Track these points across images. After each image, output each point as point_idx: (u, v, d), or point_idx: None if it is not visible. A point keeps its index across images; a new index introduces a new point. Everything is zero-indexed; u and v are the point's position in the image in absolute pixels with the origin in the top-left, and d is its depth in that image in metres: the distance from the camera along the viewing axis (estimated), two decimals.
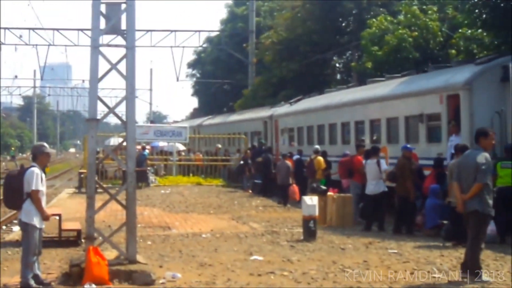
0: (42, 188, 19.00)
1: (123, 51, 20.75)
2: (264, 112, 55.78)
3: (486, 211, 19.32)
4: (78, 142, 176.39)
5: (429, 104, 28.95)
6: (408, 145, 32.34)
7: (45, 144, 21.50)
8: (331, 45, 69.48)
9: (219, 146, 72.19)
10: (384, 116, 33.58)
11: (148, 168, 56.99)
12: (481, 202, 19.26)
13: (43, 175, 19.26)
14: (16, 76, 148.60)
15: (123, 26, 20.65)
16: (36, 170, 18.83)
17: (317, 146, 44.04)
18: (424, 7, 55.73)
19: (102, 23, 20.62)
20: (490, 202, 19.66)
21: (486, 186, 19.26)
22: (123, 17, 20.60)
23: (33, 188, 18.61)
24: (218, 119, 75.26)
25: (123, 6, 20.45)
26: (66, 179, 67.30)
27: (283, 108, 50.65)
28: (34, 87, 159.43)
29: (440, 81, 28.56)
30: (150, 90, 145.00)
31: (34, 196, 18.61)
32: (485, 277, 19.23)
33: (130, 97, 20.71)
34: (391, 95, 33.67)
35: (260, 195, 47.24)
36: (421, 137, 29.66)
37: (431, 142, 28.93)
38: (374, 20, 57.98)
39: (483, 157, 19.42)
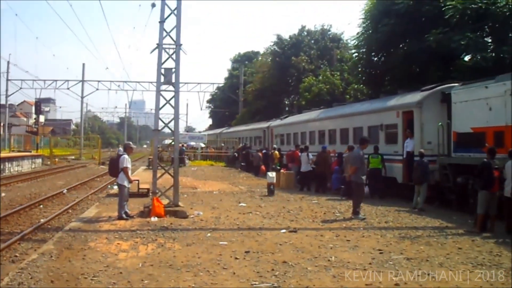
0: (129, 165, 19.40)
1: (172, 93, 20.93)
2: (263, 124, 54.20)
3: (360, 180, 19.72)
4: (148, 142, 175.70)
5: (388, 118, 27.37)
6: (326, 146, 32.68)
7: (131, 142, 22.06)
8: (283, 92, 69.54)
9: (222, 144, 72.70)
10: (352, 126, 31.42)
11: (185, 156, 57.06)
12: (357, 176, 19.67)
13: (129, 159, 19.51)
14: (116, 107, 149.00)
15: (173, 80, 20.75)
16: (126, 156, 19.37)
17: (275, 145, 44.84)
18: (332, 72, 55.71)
19: (161, 78, 20.82)
20: (363, 176, 20.10)
21: (360, 168, 19.66)
22: (173, 75, 20.75)
23: (124, 165, 19.07)
24: (232, 129, 73.38)
25: (173, 70, 20.63)
26: (141, 161, 66.96)
27: (276, 122, 49.25)
28: (126, 112, 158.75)
29: (396, 102, 27.24)
30: (186, 114, 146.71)
31: (124, 170, 19.12)
32: (361, 216, 19.42)
33: (176, 118, 21.13)
34: (356, 112, 31.65)
35: (244, 171, 47.16)
36: (380, 139, 27.71)
37: (388, 143, 27.11)
38: (306, 79, 57.66)
39: (358, 153, 19.95)
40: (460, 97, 21.43)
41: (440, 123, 23.21)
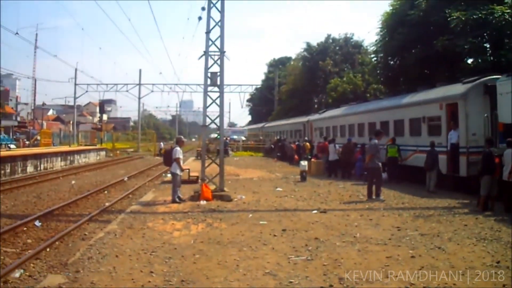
0: (181, 156, 19.39)
1: (217, 94, 21.03)
2: (302, 118, 52.02)
3: (375, 165, 19.53)
4: (196, 136, 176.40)
5: (431, 110, 24.65)
6: (350, 138, 32.72)
7: (182, 136, 22.08)
8: (312, 91, 69.20)
9: (261, 137, 72.78)
10: (392, 118, 28.57)
11: (229, 148, 57.10)
12: (372, 162, 19.50)
13: (181, 151, 19.55)
14: (168, 106, 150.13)
15: (218, 82, 20.83)
16: (178, 148, 19.41)
17: (306, 138, 44.37)
18: (355, 74, 55.34)
19: (208, 80, 20.87)
20: (378, 162, 19.81)
21: (375, 155, 19.51)
22: (218, 78, 20.81)
23: (177, 156, 19.07)
24: (273, 123, 71.79)
25: (218, 73, 20.70)
26: (190, 153, 67.12)
27: (315, 116, 47.01)
28: (176, 110, 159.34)
29: (440, 94, 24.39)
30: (229, 111, 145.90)
31: (177, 161, 19.10)
32: (382, 198, 19.31)
33: (221, 115, 21.11)
34: (397, 105, 28.70)
35: (279, 161, 47.10)
36: (423, 131, 25.13)
37: (431, 135, 24.15)
38: (332, 80, 57.48)
39: (374, 143, 19.75)
40: (506, 88, 19.69)
41: (486, 115, 21.27)
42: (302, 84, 69.50)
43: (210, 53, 21.08)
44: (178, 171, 19.35)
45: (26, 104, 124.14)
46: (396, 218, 15.39)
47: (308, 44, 70.69)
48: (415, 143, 25.73)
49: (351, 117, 35.70)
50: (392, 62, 39.58)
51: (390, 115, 29.04)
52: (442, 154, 22.92)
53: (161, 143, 79.59)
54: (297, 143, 44.69)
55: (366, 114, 32.87)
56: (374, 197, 19.63)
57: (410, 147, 26.12)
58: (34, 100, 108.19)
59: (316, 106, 68.59)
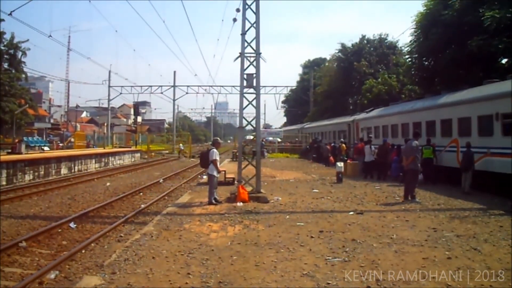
0: (218, 158, 19.37)
1: (253, 95, 21.06)
2: (347, 118, 49.89)
3: (417, 168, 19.44)
4: (231, 137, 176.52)
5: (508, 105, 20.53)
6: (386, 139, 32.55)
7: (219, 138, 22.27)
8: (347, 93, 69.09)
9: (296, 139, 72.74)
10: (456, 116, 24.94)
11: (264, 149, 57.09)
12: (414, 164, 19.38)
13: (218, 152, 19.63)
14: (203, 108, 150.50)
15: (254, 84, 20.88)
16: (215, 150, 19.41)
17: (342, 139, 43.85)
18: (389, 75, 54.92)
19: (244, 83, 20.99)
20: (418, 164, 19.69)
21: (416, 157, 19.34)
22: (254, 80, 20.87)
23: (213, 158, 19.10)
24: (315, 124, 69.32)
25: (254, 75, 20.77)
26: (226, 155, 67.38)
27: (361, 115, 44.73)
28: (211, 112, 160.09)
29: None
30: (264, 113, 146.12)
31: (214, 162, 19.11)
32: (417, 200, 19.26)
33: (257, 117, 21.04)
34: (461, 100, 25.21)
35: (315, 162, 47.05)
36: (495, 130, 21.48)
37: (506, 135, 20.56)
38: (367, 81, 57.17)
39: (414, 144, 19.54)
40: None
41: None
42: (337, 85, 69.31)
43: (245, 55, 21.11)
44: (215, 173, 19.29)
45: (59, 106, 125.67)
46: (432, 219, 15.37)
47: (343, 45, 70.68)
48: (485, 144, 22.46)
49: (404, 116, 32.69)
50: (426, 63, 39.41)
51: (452, 113, 25.94)
52: None
53: (180, 145, 79.94)
54: (332, 144, 44.64)
55: (423, 112, 29.72)
56: (410, 198, 19.59)
57: (479, 148, 22.64)
58: (68, 102, 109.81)
59: (351, 107, 68.31)
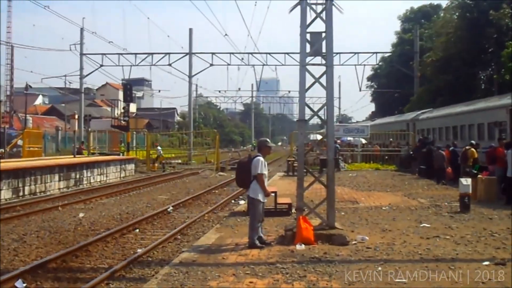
0: (265, 172, 19.30)
1: (322, 68, 20.83)
2: (505, 100, 42.79)
3: None
4: (285, 137, 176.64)
5: None
6: None
7: (268, 139, 21.98)
8: (476, 62, 68.59)
9: (391, 139, 71.97)
10: None
11: (340, 157, 57.02)
12: None
13: (265, 162, 19.55)
14: (239, 89, 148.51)
15: (323, 49, 20.69)
16: (261, 158, 19.13)
17: (472, 141, 42.39)
18: None
19: (307, 48, 20.77)
20: None
21: None
22: (323, 43, 20.66)
23: (259, 171, 18.91)
24: (443, 111, 59.68)
25: (323, 34, 20.51)
26: (276, 165, 67.59)
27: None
28: (252, 96, 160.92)
29: None
30: (339, 98, 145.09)
31: (259, 178, 18.91)
32: None
33: (329, 104, 20.64)
34: None
35: (423, 178, 46.91)
36: None
37: None
38: (510, 42, 56.25)
39: None
40: None
41: None
42: (459, 49, 69.05)
43: (309, 1, 20.79)
44: (260, 196, 19.10)
45: None
46: None
47: None
48: None
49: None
50: None
51: None
52: None
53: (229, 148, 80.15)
54: (451, 148, 43.81)
55: None
56: None
57: None
58: (11, 79, 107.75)
59: (483, 85, 67.86)
